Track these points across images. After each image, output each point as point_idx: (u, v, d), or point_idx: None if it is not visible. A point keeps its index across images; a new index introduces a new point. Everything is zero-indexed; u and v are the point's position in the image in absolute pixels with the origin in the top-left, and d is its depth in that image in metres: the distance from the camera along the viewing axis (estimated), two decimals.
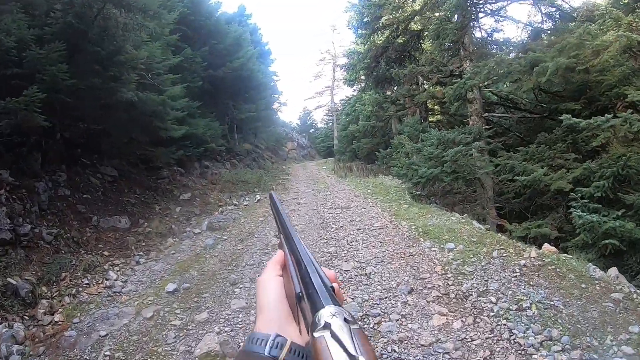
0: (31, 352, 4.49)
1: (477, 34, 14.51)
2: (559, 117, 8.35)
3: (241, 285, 6.09)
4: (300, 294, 0.63)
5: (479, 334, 4.33)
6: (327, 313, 0.51)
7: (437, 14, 14.97)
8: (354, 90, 30.49)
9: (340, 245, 7.61)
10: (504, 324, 4.41)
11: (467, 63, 12.94)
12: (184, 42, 13.21)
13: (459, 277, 5.61)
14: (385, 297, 5.32)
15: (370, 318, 4.84)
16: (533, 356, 3.86)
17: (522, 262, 5.68)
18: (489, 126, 12.52)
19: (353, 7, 20.25)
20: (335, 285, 0.64)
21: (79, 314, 5.35)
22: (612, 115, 7.55)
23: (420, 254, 6.69)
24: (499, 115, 13.56)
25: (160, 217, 9.74)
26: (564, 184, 8.24)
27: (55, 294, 5.68)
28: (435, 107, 21.31)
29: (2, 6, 6.19)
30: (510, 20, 14.02)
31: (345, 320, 0.50)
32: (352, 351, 0.46)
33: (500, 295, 4.99)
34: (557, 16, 12.82)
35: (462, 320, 4.62)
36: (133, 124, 9.23)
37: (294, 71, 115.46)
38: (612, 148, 7.89)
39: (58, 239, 6.70)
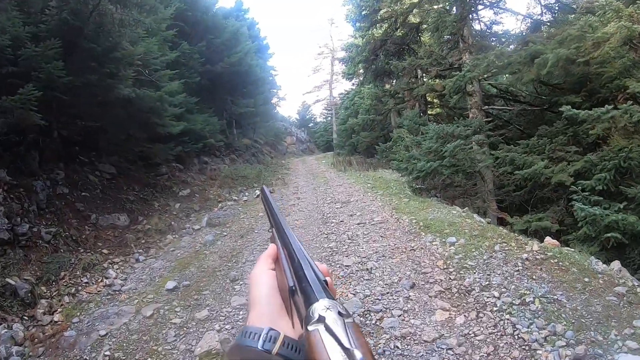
0: (31, 353, 4.45)
1: (476, 27, 14.45)
2: (560, 109, 8.30)
3: (241, 282, 6.06)
4: (294, 288, 0.63)
5: (482, 329, 4.30)
6: (320, 306, 0.51)
7: (435, 7, 14.87)
8: (353, 83, 30.45)
9: (341, 240, 7.58)
10: (508, 319, 4.38)
11: (467, 55, 12.87)
12: (181, 38, 13.13)
13: (461, 272, 5.57)
14: (387, 293, 5.29)
15: (372, 314, 4.81)
16: (537, 351, 3.82)
17: (525, 255, 5.64)
18: (489, 119, 12.46)
19: (351, 0, 20.16)
20: (328, 279, 0.63)
21: (78, 314, 5.32)
22: (613, 106, 7.50)
23: (422, 248, 6.65)
24: (499, 107, 13.50)
25: (160, 213, 9.70)
26: (565, 177, 8.20)
27: (54, 294, 5.65)
28: (435, 100, 21.22)
29: None
30: (509, 12, 13.94)
31: (339, 313, 0.50)
32: (347, 344, 0.46)
33: (503, 290, 4.96)
34: (557, 8, 12.74)
35: (465, 316, 4.59)
36: (131, 121, 9.18)
37: (292, 66, 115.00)
38: (613, 140, 7.84)
39: (57, 237, 6.66)
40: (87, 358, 4.42)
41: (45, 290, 5.59)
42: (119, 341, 4.69)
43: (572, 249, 5.98)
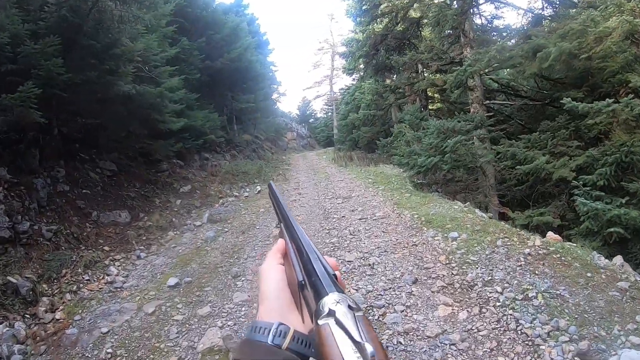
0: (33, 351, 4.45)
1: (477, 21, 14.40)
2: (561, 103, 8.27)
3: (243, 278, 6.06)
4: (303, 282, 0.63)
5: (485, 324, 4.29)
6: (330, 300, 0.52)
7: (436, 1, 14.81)
8: (353, 79, 30.38)
9: (343, 235, 7.57)
10: (511, 314, 4.37)
11: (468, 50, 12.81)
12: (180, 34, 13.08)
13: (464, 267, 5.57)
14: (390, 288, 5.29)
15: (374, 309, 4.81)
16: (540, 347, 3.82)
17: (527, 250, 5.63)
18: (490, 114, 12.44)
19: None
20: (337, 273, 0.63)
21: (80, 311, 5.31)
22: (613, 100, 7.48)
23: (424, 243, 6.65)
24: (500, 102, 13.45)
25: (161, 210, 9.70)
26: (567, 172, 8.18)
27: (56, 291, 5.64)
28: (436, 95, 21.17)
29: None
30: (510, 6, 13.88)
31: (349, 307, 0.50)
32: (357, 337, 0.46)
33: (505, 285, 4.95)
34: (558, 2, 12.68)
35: (467, 311, 4.58)
36: (131, 117, 9.16)
37: (292, 61, 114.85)
38: (615, 135, 7.82)
39: (58, 235, 6.65)
40: (89, 356, 4.42)
41: (46, 288, 5.59)
42: (121, 338, 4.69)
43: (575, 244, 5.97)
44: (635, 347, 3.64)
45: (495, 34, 14.26)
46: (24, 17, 6.34)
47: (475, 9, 13.80)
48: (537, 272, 5.11)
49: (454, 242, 6.40)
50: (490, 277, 5.18)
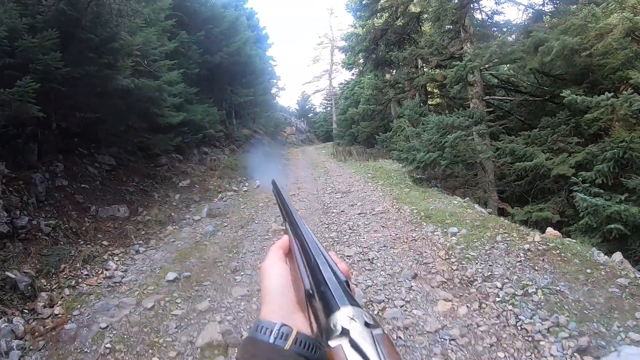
0: (31, 347, 4.43)
1: (478, 16, 14.36)
2: (561, 99, 8.27)
3: (242, 273, 6.05)
4: (311, 291, 0.57)
5: (485, 320, 4.29)
6: (343, 317, 0.46)
7: None
8: (353, 73, 30.37)
9: (342, 230, 7.57)
10: (510, 310, 4.38)
11: (468, 45, 12.80)
12: (179, 28, 13.04)
13: (463, 262, 5.57)
14: (389, 283, 5.29)
15: (374, 304, 4.81)
16: (540, 342, 3.82)
17: (526, 246, 5.63)
18: (490, 109, 12.42)
19: None
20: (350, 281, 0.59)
21: (79, 306, 5.29)
22: (612, 94, 7.48)
23: (423, 238, 6.65)
24: (500, 98, 13.44)
25: (160, 204, 9.68)
26: (566, 169, 8.19)
27: (54, 286, 5.62)
28: (435, 90, 21.18)
29: None
30: (511, 1, 13.83)
31: (366, 324, 0.44)
32: None
33: (505, 281, 4.96)
34: None
35: (467, 306, 4.58)
36: (130, 111, 9.13)
37: (292, 56, 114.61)
38: (615, 132, 7.82)
39: (56, 230, 6.63)
40: (88, 351, 4.40)
41: (45, 283, 5.57)
42: (120, 333, 4.67)
43: (574, 240, 5.97)
44: (635, 344, 3.64)
45: (495, 29, 14.22)
46: (22, 11, 6.31)
47: (475, 4, 13.78)
48: (536, 267, 5.11)
49: (454, 238, 6.40)
50: (489, 273, 5.18)
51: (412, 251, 6.20)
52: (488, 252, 5.73)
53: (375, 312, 4.64)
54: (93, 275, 6.18)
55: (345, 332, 0.44)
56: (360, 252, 6.37)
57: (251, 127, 24.85)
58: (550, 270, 4.99)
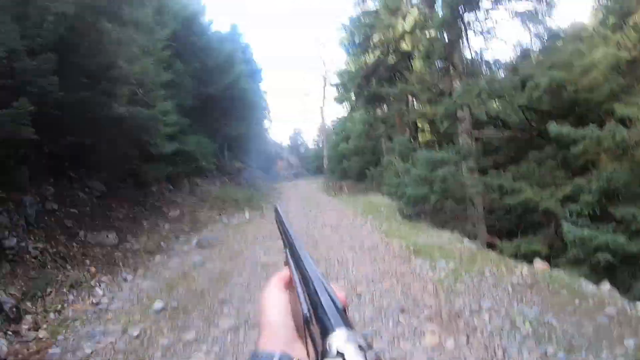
0: None
1: (467, 54, 14.66)
2: (548, 133, 8.41)
3: (230, 305, 5.99)
4: (308, 315, 0.57)
5: (472, 352, 4.27)
6: (339, 339, 0.46)
7: (427, 33, 15.12)
8: (345, 109, 30.70)
9: (331, 264, 7.54)
10: (498, 343, 4.36)
11: (457, 82, 13.04)
12: (175, 59, 13.20)
13: (451, 296, 5.56)
14: (377, 317, 5.26)
15: None
16: None
17: (514, 279, 5.66)
18: (479, 145, 12.58)
19: (345, 27, 20.49)
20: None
21: (63, 331, 5.22)
22: (596, 126, 7.63)
23: (412, 272, 6.65)
24: (489, 134, 13.62)
25: (149, 233, 9.63)
26: (553, 204, 8.28)
27: (40, 310, 5.55)
28: (425, 126, 21.43)
29: None
30: (499, 39, 14.19)
31: (360, 347, 0.45)
32: None
33: (493, 314, 4.95)
34: (546, 37, 13.00)
35: (455, 339, 4.56)
36: (122, 139, 9.16)
37: (284, 91, 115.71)
38: (602, 164, 7.96)
39: (44, 253, 6.57)
40: None
41: (30, 306, 5.50)
42: None
43: (562, 272, 6.01)
44: None
45: (485, 67, 14.51)
46: (22, 33, 6.39)
47: (464, 42, 14.08)
48: (524, 300, 5.13)
49: (442, 271, 6.41)
50: (477, 306, 5.17)
51: (401, 285, 6.19)
52: (476, 285, 5.74)
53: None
54: (79, 300, 6.12)
55: (340, 355, 0.44)
56: (349, 287, 6.35)
57: (243, 160, 24.93)
58: (538, 302, 5.01)
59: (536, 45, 13.39)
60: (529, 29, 13.25)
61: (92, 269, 7.16)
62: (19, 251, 6.15)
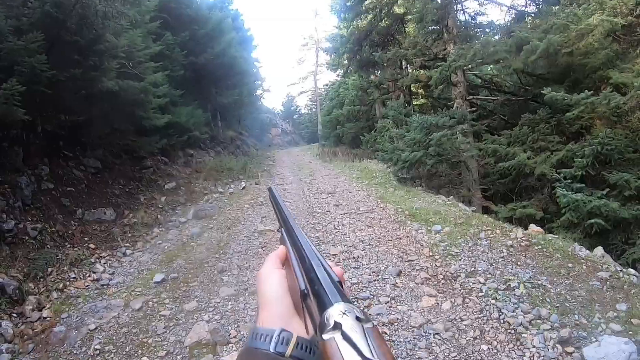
0: (20, 350, 4.43)
1: (461, 17, 14.48)
2: (543, 98, 8.40)
3: (229, 273, 6.09)
4: (306, 291, 0.59)
5: (468, 314, 4.37)
6: (336, 311, 0.47)
7: None
8: (337, 75, 30.38)
9: (327, 229, 7.63)
10: (493, 304, 4.46)
11: (451, 46, 12.90)
12: (164, 30, 13.00)
13: (447, 259, 5.66)
14: (374, 280, 5.35)
15: (359, 301, 4.87)
16: (523, 335, 3.91)
17: (509, 242, 5.74)
18: (473, 109, 12.56)
19: None
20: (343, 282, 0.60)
21: (67, 309, 5.30)
22: (592, 93, 7.62)
23: (408, 236, 6.73)
24: (483, 98, 13.58)
25: (146, 207, 9.66)
26: (547, 169, 8.32)
27: (42, 290, 5.60)
28: (420, 91, 21.32)
29: None
30: (493, 2, 13.99)
31: (357, 318, 0.46)
32: (367, 354, 0.42)
33: (488, 276, 5.04)
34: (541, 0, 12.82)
35: (451, 301, 4.66)
36: (115, 114, 9.09)
37: (276, 57, 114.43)
38: (596, 130, 7.97)
39: (43, 233, 6.59)
40: (78, 352, 4.41)
41: (33, 287, 5.55)
42: (109, 334, 4.69)
43: (556, 236, 6.09)
44: (616, 334, 3.74)
45: (478, 30, 14.35)
46: (7, 13, 6.27)
47: (458, 5, 13.90)
48: (519, 263, 5.22)
49: (438, 235, 6.50)
50: (473, 269, 5.27)
51: (397, 249, 6.28)
52: (471, 248, 5.83)
53: (361, 309, 4.69)
54: (80, 278, 6.18)
55: (337, 326, 0.45)
56: (346, 251, 6.43)
57: (236, 129, 24.82)
58: (532, 265, 5.10)
59: (531, 8, 13.21)
60: None
61: (92, 246, 7.20)
62: (18, 233, 6.16)
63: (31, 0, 6.51)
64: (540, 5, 12.66)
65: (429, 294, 4.85)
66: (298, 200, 10.41)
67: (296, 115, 55.25)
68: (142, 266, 6.77)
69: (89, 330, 4.78)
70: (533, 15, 12.73)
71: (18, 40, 6.02)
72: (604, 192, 7.21)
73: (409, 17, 17.60)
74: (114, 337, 4.62)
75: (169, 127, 12.36)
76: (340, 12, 20.40)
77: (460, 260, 5.55)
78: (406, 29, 19.15)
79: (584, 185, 7.57)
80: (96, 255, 6.98)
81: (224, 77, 19.21)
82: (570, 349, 3.67)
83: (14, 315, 4.97)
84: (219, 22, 18.39)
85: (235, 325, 4.63)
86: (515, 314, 4.23)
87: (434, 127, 11.14)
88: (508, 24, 12.95)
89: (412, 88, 20.24)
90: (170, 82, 12.22)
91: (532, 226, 6.36)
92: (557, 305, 4.26)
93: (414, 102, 20.88)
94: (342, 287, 0.57)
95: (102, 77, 7.77)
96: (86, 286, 5.98)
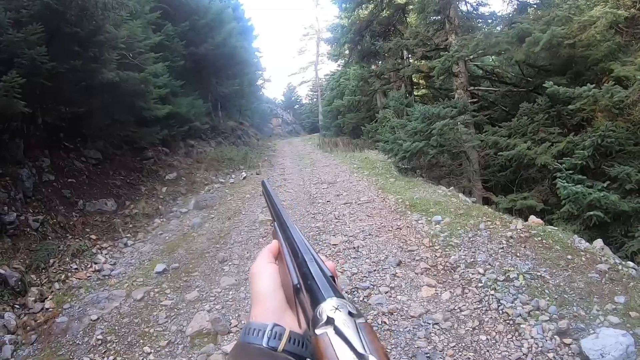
0: (23, 341, 4.47)
1: (463, 8, 14.40)
2: (544, 89, 8.38)
3: (230, 263, 6.12)
4: (298, 286, 0.59)
5: (467, 304, 4.40)
6: (329, 306, 0.48)
7: None
8: (339, 65, 30.31)
9: (328, 219, 7.65)
10: (492, 295, 4.49)
11: (453, 36, 12.85)
12: (164, 20, 12.94)
13: (447, 249, 5.68)
14: (374, 270, 5.38)
15: (359, 291, 4.90)
16: (521, 326, 3.94)
17: (509, 233, 5.76)
18: (475, 100, 12.54)
19: None
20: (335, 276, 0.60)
21: (69, 300, 5.34)
22: (594, 86, 7.61)
23: (408, 226, 6.75)
24: (485, 89, 13.56)
25: (147, 198, 9.68)
26: (548, 159, 8.31)
27: (44, 281, 5.64)
28: (421, 81, 21.24)
29: None
30: None
31: (350, 313, 0.47)
32: (360, 349, 0.42)
33: (487, 267, 5.07)
34: None
35: (450, 292, 4.69)
36: (115, 105, 9.08)
37: (277, 47, 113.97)
38: (597, 122, 7.96)
39: (44, 225, 6.62)
40: (80, 342, 4.45)
41: (35, 278, 5.58)
42: (111, 325, 4.72)
43: (556, 228, 6.11)
44: (614, 326, 3.77)
45: (480, 21, 14.28)
46: (7, 5, 6.25)
47: None
48: (518, 254, 5.24)
49: (438, 226, 6.52)
50: (472, 259, 5.29)
51: (397, 239, 6.30)
52: (471, 239, 5.85)
53: (361, 299, 4.74)
54: (82, 269, 6.22)
55: (330, 321, 0.46)
56: (346, 241, 6.46)
57: (237, 119, 24.76)
58: (531, 257, 5.12)
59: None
60: None
61: (93, 237, 7.23)
62: (19, 225, 6.18)
63: None
64: None
65: (429, 284, 4.88)
66: (299, 190, 10.43)
67: (297, 106, 55.07)
68: (143, 256, 6.80)
69: (91, 320, 4.82)
70: (535, 6, 12.65)
71: (18, 32, 6.00)
72: (605, 185, 7.22)
73: (411, 7, 17.52)
74: (116, 327, 4.66)
75: (169, 118, 12.35)
76: (341, 2, 20.30)
77: (460, 250, 5.58)
78: (407, 19, 19.05)
79: (584, 177, 7.57)
80: (98, 246, 7.01)
81: (224, 67, 19.13)
82: (568, 340, 3.70)
83: (17, 306, 5.01)
84: (220, 12, 18.28)
85: (236, 315, 4.67)
86: (514, 304, 4.26)
87: (436, 117, 11.12)
88: (510, 15, 12.86)
89: (413, 78, 20.15)
90: (171, 73, 12.18)
91: (532, 217, 6.37)
92: (556, 296, 4.29)
93: (415, 93, 20.79)
94: (334, 282, 0.57)
95: (102, 68, 7.76)
96: (88, 277, 6.02)
